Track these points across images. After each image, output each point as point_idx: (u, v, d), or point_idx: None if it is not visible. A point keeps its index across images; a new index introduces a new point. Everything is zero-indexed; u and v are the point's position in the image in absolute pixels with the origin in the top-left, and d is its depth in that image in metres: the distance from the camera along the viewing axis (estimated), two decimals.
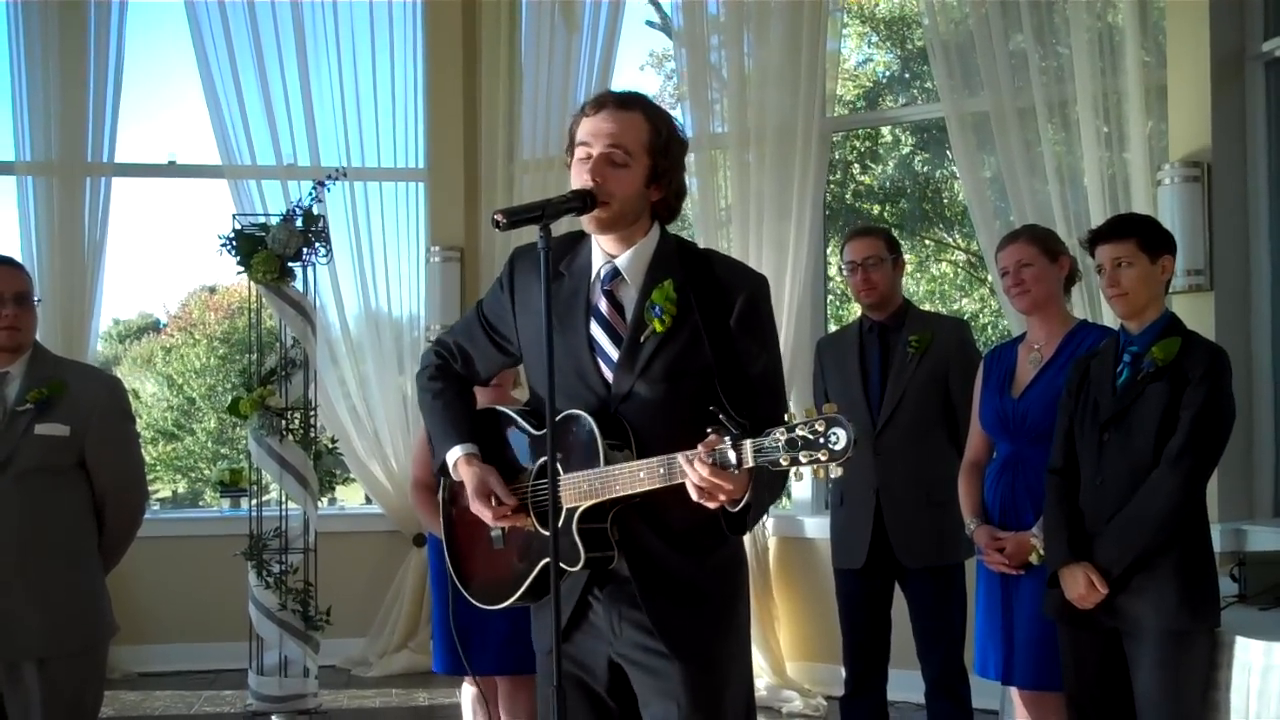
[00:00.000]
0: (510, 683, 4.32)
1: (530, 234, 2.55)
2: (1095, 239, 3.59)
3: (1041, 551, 3.68)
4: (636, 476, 2.50)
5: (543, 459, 2.63)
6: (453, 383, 2.89)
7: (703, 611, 2.64)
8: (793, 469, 2.31)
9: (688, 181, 2.86)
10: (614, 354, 2.65)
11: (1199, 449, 3.36)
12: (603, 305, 2.69)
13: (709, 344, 2.59)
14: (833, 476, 2.32)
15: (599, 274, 2.70)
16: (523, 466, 2.74)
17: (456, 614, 4.37)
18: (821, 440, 2.26)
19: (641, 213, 2.68)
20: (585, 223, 2.67)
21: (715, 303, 2.63)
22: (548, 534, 2.54)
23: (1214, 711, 3.38)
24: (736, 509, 2.48)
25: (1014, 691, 3.96)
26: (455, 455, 2.76)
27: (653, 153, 2.64)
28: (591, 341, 2.67)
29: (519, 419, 2.78)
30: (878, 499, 4.33)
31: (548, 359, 2.49)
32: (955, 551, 4.32)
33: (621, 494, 2.53)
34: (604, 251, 2.71)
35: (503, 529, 2.73)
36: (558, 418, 2.58)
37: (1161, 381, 3.41)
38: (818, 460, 2.27)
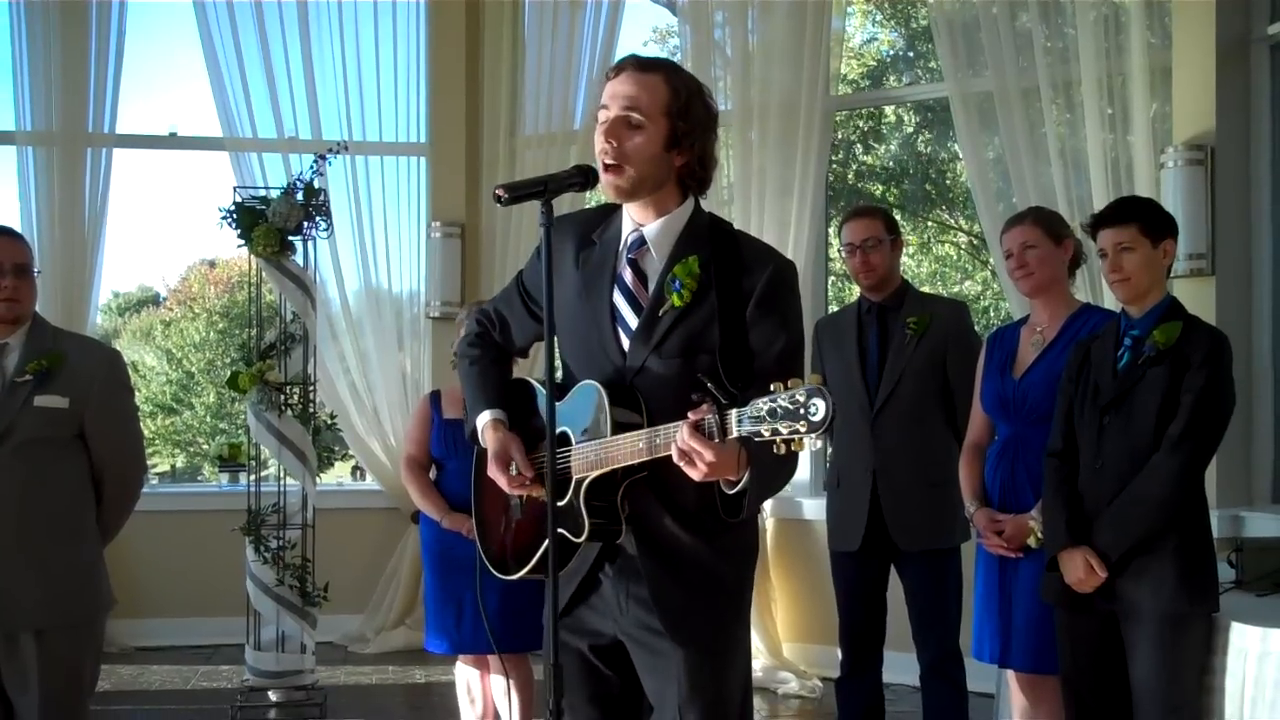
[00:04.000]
0: (502, 660, 4.33)
1: (534, 209, 2.54)
2: (1097, 223, 3.58)
3: (1040, 534, 3.68)
4: (635, 447, 2.48)
5: (557, 429, 2.63)
6: (490, 349, 2.89)
7: (707, 594, 2.62)
8: (774, 439, 2.23)
9: None
10: (634, 324, 2.63)
11: (1199, 433, 3.36)
12: (627, 274, 2.66)
13: (719, 320, 2.55)
14: (812, 449, 2.22)
15: (625, 242, 2.68)
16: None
17: (451, 591, 4.40)
18: (801, 411, 2.19)
19: (665, 179, 2.63)
20: (605, 190, 2.62)
21: (735, 282, 2.59)
22: (555, 504, 2.56)
23: (1210, 696, 3.39)
24: (733, 490, 2.44)
25: (1010, 674, 3.97)
26: (484, 420, 2.76)
27: (671, 115, 2.58)
28: (613, 310, 2.65)
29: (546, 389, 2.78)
30: (874, 481, 4.32)
31: (546, 331, 2.49)
32: (951, 535, 4.31)
33: (621, 464, 2.51)
34: (633, 220, 2.68)
35: (520, 499, 2.73)
36: (574, 387, 2.61)
37: (1162, 365, 3.40)
38: (798, 431, 2.20)
